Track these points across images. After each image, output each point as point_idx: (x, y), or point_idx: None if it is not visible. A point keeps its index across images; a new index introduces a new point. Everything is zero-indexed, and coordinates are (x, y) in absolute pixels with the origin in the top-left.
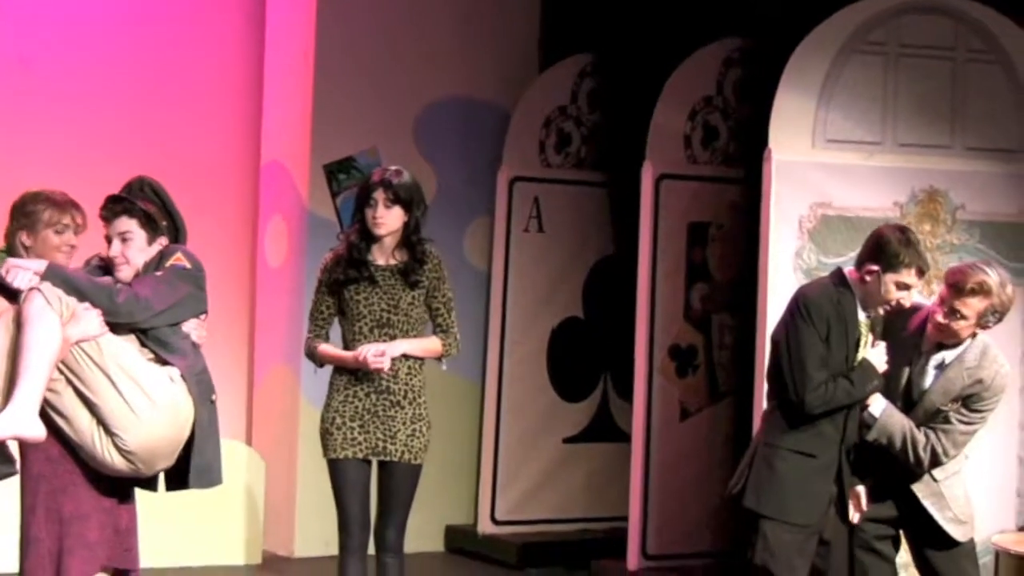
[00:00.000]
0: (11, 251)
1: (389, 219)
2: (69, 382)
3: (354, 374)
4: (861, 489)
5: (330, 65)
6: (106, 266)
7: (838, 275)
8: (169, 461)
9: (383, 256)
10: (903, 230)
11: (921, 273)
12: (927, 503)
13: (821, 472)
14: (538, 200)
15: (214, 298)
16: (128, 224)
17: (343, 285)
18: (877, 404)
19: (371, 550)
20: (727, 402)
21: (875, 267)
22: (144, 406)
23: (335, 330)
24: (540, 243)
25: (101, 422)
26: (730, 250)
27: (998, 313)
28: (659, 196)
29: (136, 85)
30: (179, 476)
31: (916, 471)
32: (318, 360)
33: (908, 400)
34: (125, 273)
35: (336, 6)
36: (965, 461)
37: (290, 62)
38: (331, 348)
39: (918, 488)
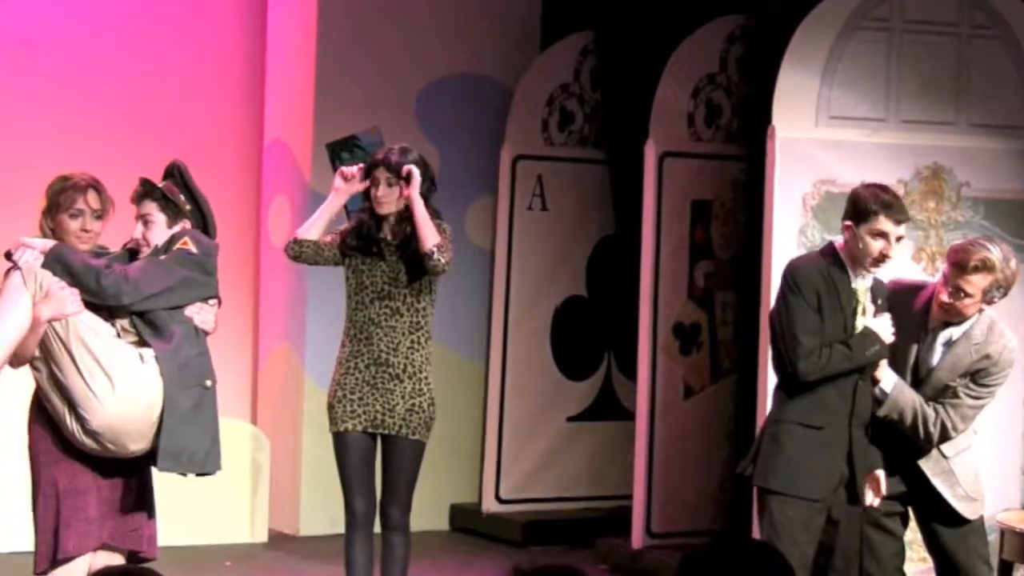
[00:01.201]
0: (44, 234)
1: (391, 198)
2: (45, 360)
3: (356, 346)
4: (880, 473)
5: (332, 44)
6: (137, 249)
7: (827, 246)
8: (144, 442)
9: (390, 231)
10: (874, 184)
11: (896, 221)
12: (936, 481)
13: (828, 444)
14: (541, 178)
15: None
16: (149, 207)
17: (351, 251)
18: (888, 379)
19: (377, 528)
20: (730, 380)
21: (849, 223)
22: (104, 388)
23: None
24: (543, 221)
25: (69, 401)
26: (733, 228)
27: (1003, 288)
28: (662, 174)
29: (138, 65)
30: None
31: (925, 447)
32: (301, 235)
33: (916, 377)
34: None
35: None
36: (975, 437)
37: (292, 41)
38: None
39: (928, 466)
